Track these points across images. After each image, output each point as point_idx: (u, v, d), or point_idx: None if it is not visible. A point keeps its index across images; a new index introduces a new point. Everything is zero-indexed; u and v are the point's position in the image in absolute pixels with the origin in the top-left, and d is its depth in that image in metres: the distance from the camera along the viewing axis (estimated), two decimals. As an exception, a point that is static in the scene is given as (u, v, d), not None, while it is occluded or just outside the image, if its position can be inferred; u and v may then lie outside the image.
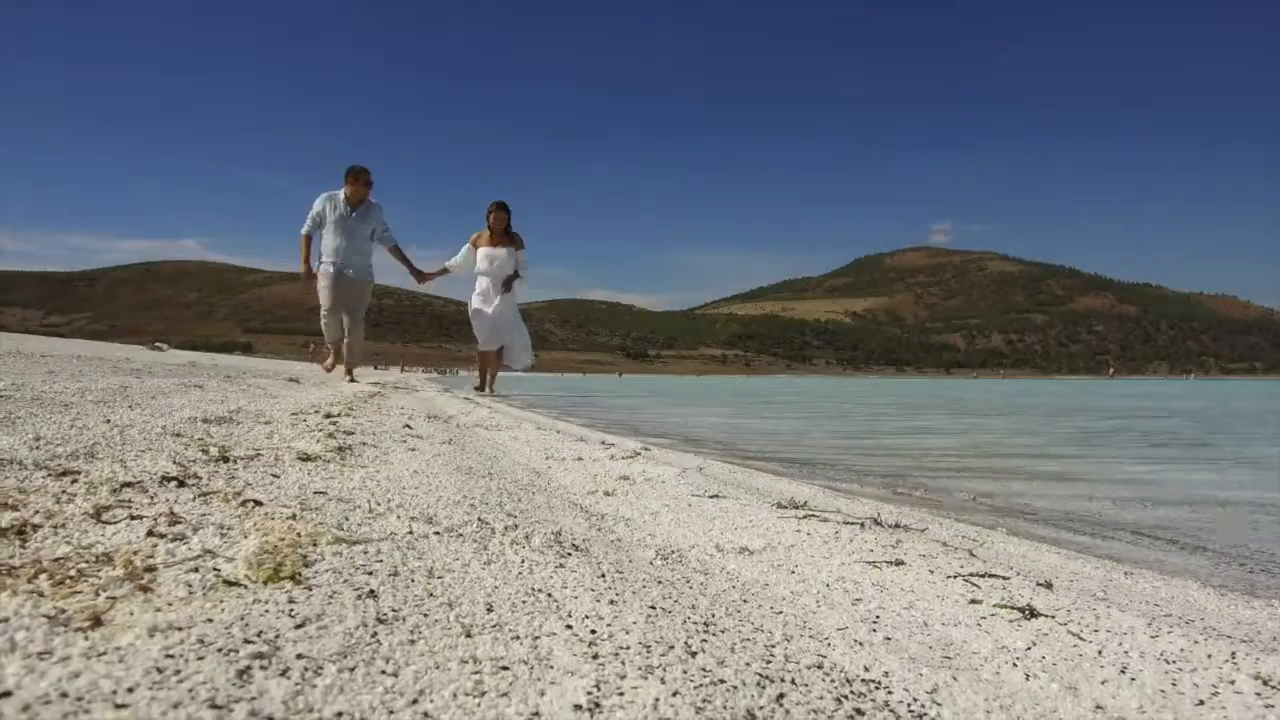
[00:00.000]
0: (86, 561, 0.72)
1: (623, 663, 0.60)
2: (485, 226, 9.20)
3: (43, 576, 0.69)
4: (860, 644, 0.80)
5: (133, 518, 0.90)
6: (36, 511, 0.92)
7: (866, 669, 0.72)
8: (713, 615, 0.81)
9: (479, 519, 1.04)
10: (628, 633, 0.67)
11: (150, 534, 0.81)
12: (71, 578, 0.67)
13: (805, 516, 1.51)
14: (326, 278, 8.06)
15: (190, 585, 0.63)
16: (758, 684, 0.62)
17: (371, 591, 0.66)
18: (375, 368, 67.01)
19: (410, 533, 0.92)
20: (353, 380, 7.85)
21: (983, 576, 1.13)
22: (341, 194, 8.16)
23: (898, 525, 1.52)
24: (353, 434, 2.11)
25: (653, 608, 0.77)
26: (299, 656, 0.50)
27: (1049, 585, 1.10)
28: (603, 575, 0.87)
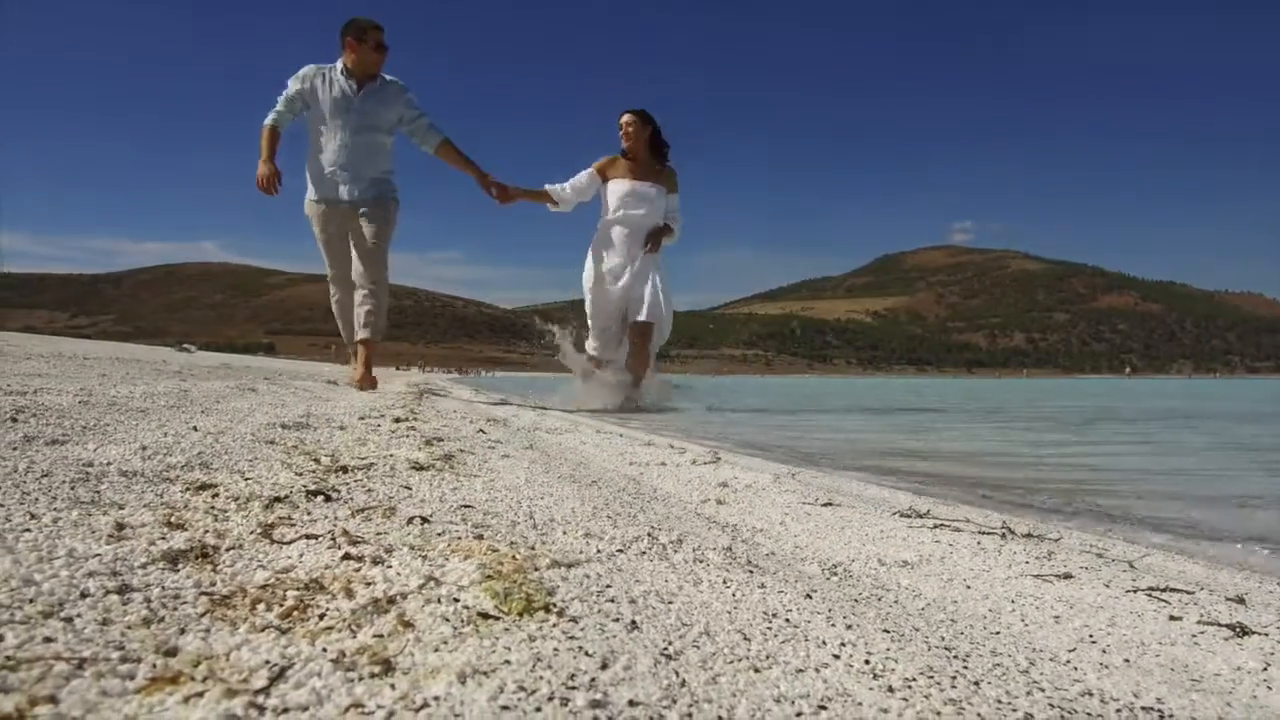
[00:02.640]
0: (297, 589, 0.69)
1: (926, 697, 0.55)
2: (620, 152, 6.10)
3: (260, 607, 0.65)
4: (1106, 667, 0.75)
5: (307, 537, 0.87)
6: (206, 531, 0.89)
7: (1136, 695, 0.67)
8: (942, 638, 0.76)
9: (648, 534, 1.00)
10: (896, 661, 0.62)
11: (347, 557, 0.77)
12: (298, 609, 0.63)
13: (936, 526, 1.46)
14: (320, 213, 5.11)
15: (447, 618, 0.59)
16: (1062, 717, 0.57)
17: (633, 622, 0.62)
18: (396, 369, 67.39)
19: (599, 551, 0.88)
20: (365, 384, 5.16)
21: (1164, 590, 1.08)
22: (340, 66, 5.07)
23: (1030, 535, 1.47)
24: (441, 440, 2.08)
25: (886, 631, 0.73)
26: (632, 703, 0.46)
27: (1241, 600, 1.05)
28: (809, 595, 0.83)
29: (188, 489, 1.14)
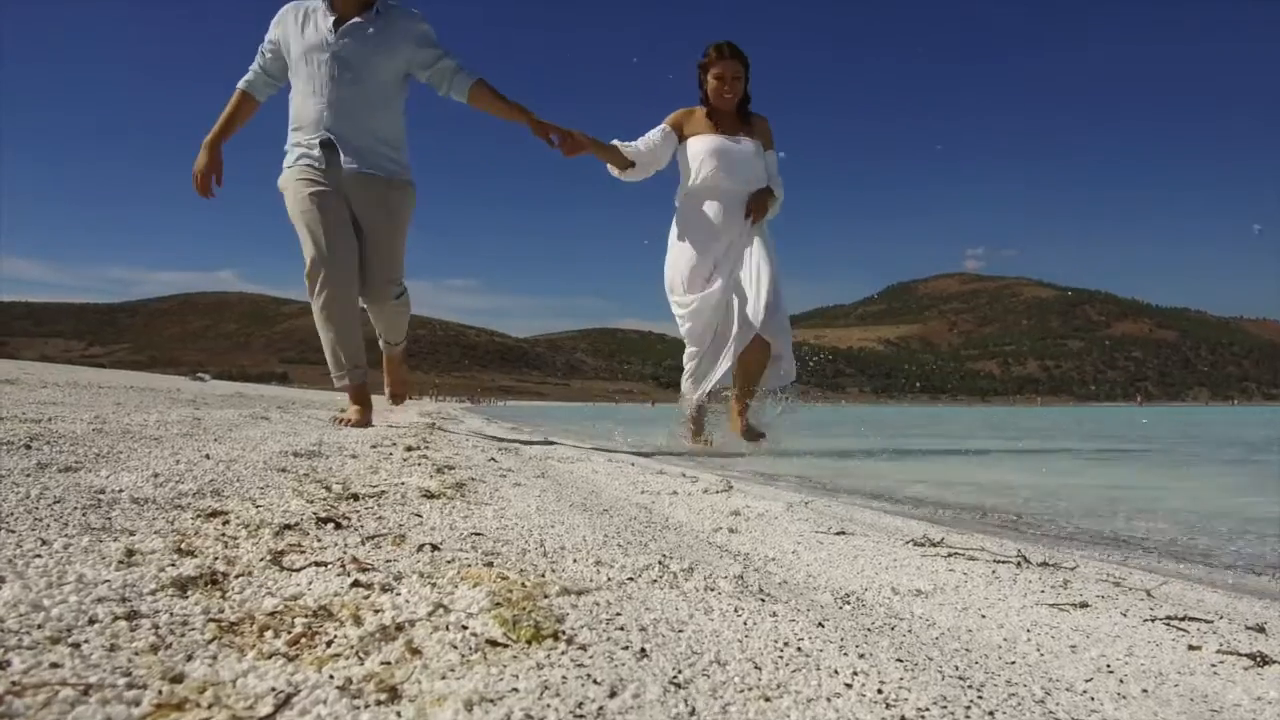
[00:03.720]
0: (305, 616, 0.68)
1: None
2: (699, 102, 4.65)
3: (268, 634, 0.65)
4: (1123, 698, 0.74)
5: (317, 564, 0.86)
6: (215, 558, 0.89)
7: (1156, 730, 0.66)
8: (956, 667, 0.75)
9: (659, 562, 0.99)
10: (909, 691, 0.61)
11: (356, 585, 0.77)
12: (305, 636, 0.63)
13: (951, 555, 1.44)
14: (301, 187, 3.67)
15: (454, 645, 0.58)
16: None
17: (642, 650, 0.61)
18: (409, 397, 67.43)
19: (609, 579, 0.87)
20: (395, 402, 4.77)
21: (1182, 619, 1.06)
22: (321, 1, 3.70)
23: (1045, 563, 1.45)
24: (452, 468, 2.08)
25: (900, 660, 0.72)
26: (640, 732, 0.45)
27: (1261, 629, 1.03)
28: (821, 624, 0.82)
29: (199, 516, 1.14)
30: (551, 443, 4.63)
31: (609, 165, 4.52)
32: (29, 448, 1.77)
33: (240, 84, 3.89)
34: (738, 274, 4.49)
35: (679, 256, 4.61)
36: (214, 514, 1.15)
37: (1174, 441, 8.03)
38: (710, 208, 4.56)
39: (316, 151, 3.70)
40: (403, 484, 1.67)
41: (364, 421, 3.83)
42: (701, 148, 4.54)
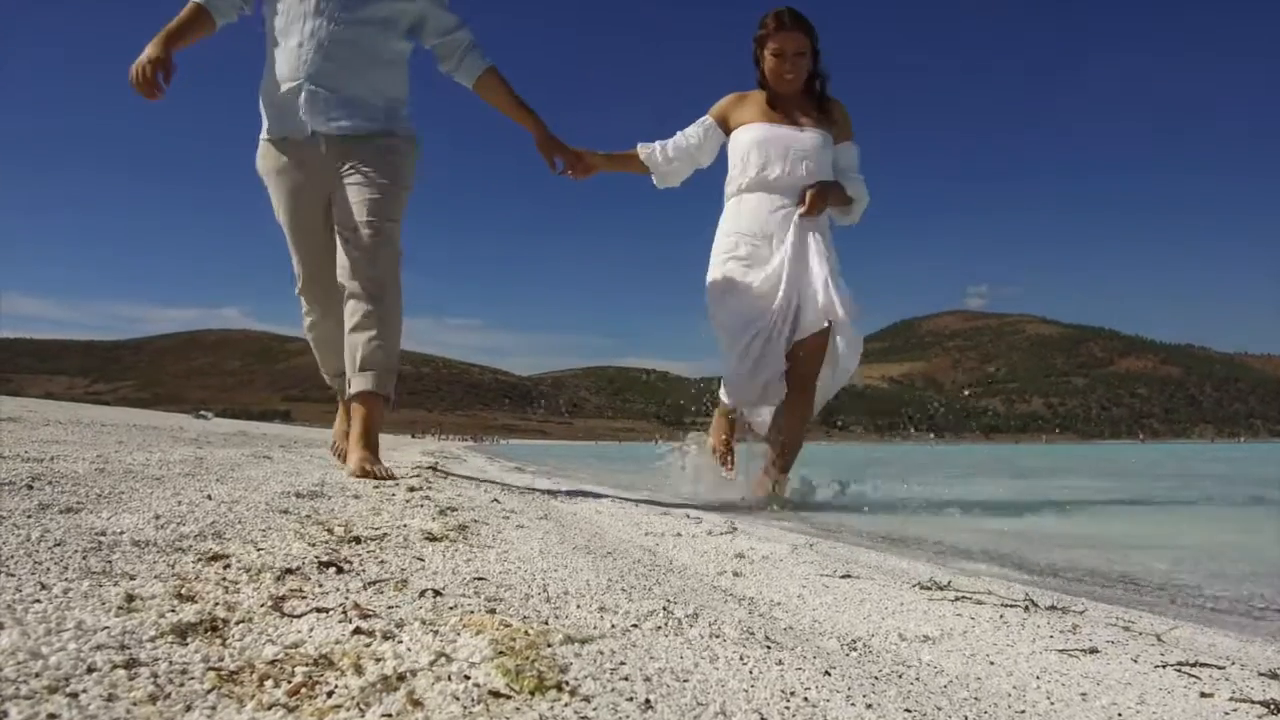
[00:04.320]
0: (306, 665, 0.68)
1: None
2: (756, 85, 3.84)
3: (268, 683, 0.64)
4: (1136, 752, 0.72)
5: (318, 611, 0.86)
6: (216, 604, 0.88)
7: (1169, 784, 0.65)
8: (965, 717, 0.74)
9: (663, 608, 0.98)
10: (918, 745, 0.60)
11: (358, 632, 0.76)
12: (306, 686, 0.62)
13: (958, 598, 1.43)
14: (278, 164, 3.14)
15: (457, 697, 0.57)
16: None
17: (647, 701, 0.60)
18: (412, 436, 67.46)
19: (613, 626, 0.86)
20: (365, 467, 2.87)
21: (1194, 665, 1.04)
22: None
23: (1054, 607, 1.44)
24: (455, 510, 2.07)
25: (908, 710, 0.71)
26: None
27: (1275, 675, 1.02)
28: (827, 673, 0.81)
29: (199, 559, 1.13)
30: (554, 490, 4.62)
31: (647, 169, 3.90)
32: (31, 488, 1.77)
33: None
34: (797, 278, 3.62)
35: (723, 261, 3.77)
36: (215, 557, 1.14)
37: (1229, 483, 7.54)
38: (761, 205, 3.70)
39: (294, 106, 3.01)
40: (405, 526, 1.66)
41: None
42: (748, 138, 3.72)
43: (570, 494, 3.61)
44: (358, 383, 3.02)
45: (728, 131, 3.86)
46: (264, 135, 3.18)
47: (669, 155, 3.85)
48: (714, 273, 3.82)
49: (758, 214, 3.71)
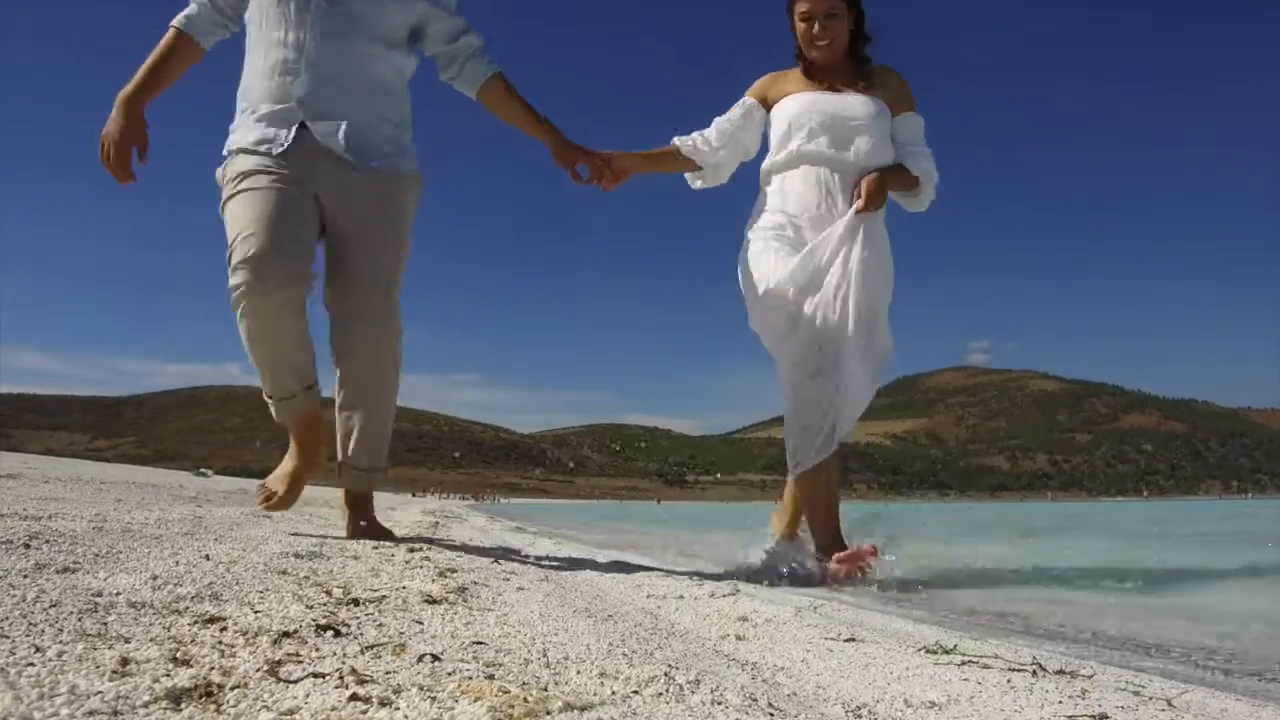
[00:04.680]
0: (302, 730, 0.66)
1: None
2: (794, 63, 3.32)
3: (266, 750, 0.63)
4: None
5: (315, 676, 0.84)
6: (211, 668, 0.87)
7: None
8: (973, 791, 0.72)
9: (665, 674, 0.96)
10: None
11: (354, 698, 0.75)
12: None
13: (964, 663, 1.40)
14: (248, 183, 2.53)
15: (455, 765, 0.56)
16: None
17: (647, 771, 0.59)
18: (413, 495, 67.02)
19: (614, 693, 0.85)
20: (361, 525, 2.90)
21: (1207, 736, 1.03)
22: None
23: (1062, 671, 1.41)
24: (455, 571, 2.05)
25: (914, 783, 0.69)
26: None
27: (1290, 747, 1.00)
28: (832, 741, 0.79)
29: (196, 621, 1.12)
30: (555, 551, 4.59)
31: (677, 169, 3.40)
32: (28, 547, 1.75)
33: (176, 21, 2.63)
34: (836, 281, 3.02)
35: (760, 258, 3.17)
36: (211, 620, 1.13)
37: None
38: (804, 193, 3.12)
39: (278, 133, 2.56)
40: (404, 588, 1.64)
41: (295, 487, 2.87)
42: (791, 108, 3.17)
43: (571, 555, 3.58)
44: (353, 479, 2.94)
45: (763, 104, 3.33)
46: (231, 147, 2.63)
47: (713, 144, 3.30)
48: (757, 284, 3.15)
49: (804, 197, 3.12)
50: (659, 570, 2.98)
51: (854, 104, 3.14)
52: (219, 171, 2.66)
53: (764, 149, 3.38)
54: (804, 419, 3.08)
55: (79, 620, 1.08)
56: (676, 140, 3.34)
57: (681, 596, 2.21)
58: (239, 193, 2.53)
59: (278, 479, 2.94)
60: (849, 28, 3.20)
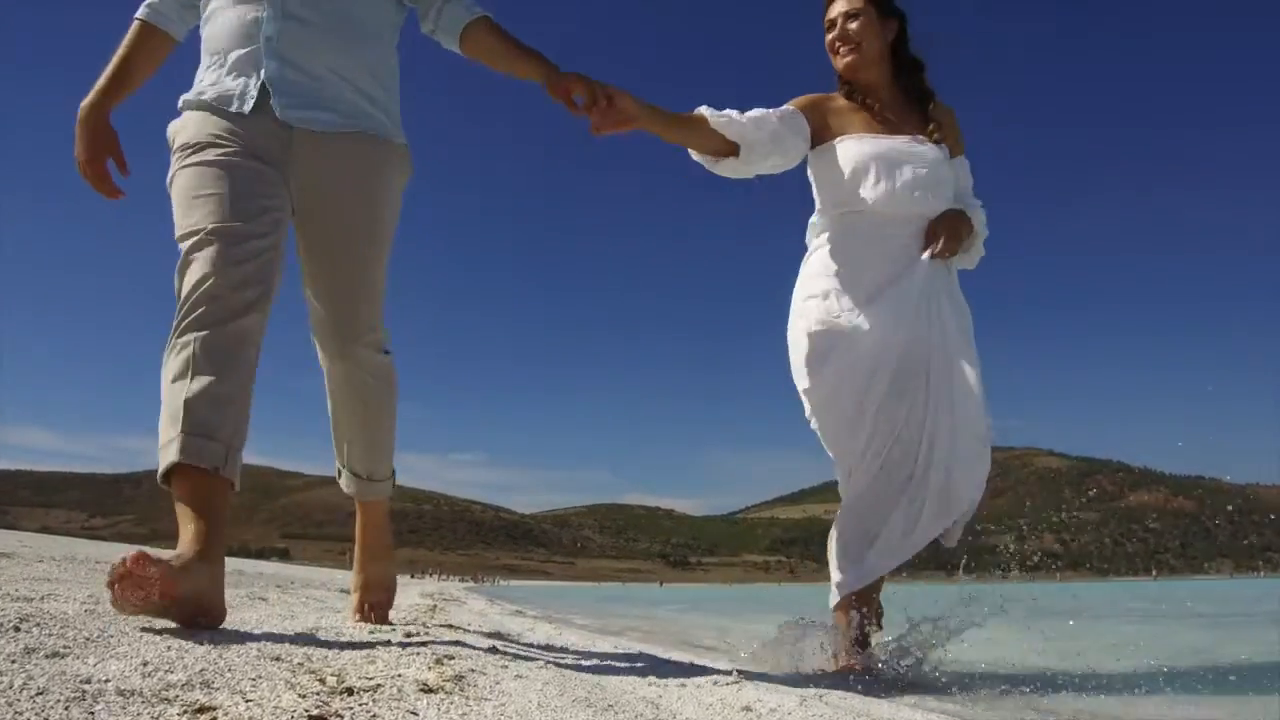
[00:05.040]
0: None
1: None
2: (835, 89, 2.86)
3: None
4: None
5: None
6: (200, 762, 0.84)
7: None
8: None
9: (667, 769, 0.93)
10: None
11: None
12: None
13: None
14: (201, 156, 2.05)
15: None
16: None
17: None
18: (411, 576, 66.02)
19: (614, 790, 0.82)
20: (366, 615, 2.71)
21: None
22: None
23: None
24: (452, 658, 2.01)
25: None
26: None
27: None
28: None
29: (185, 711, 1.09)
30: (554, 636, 4.50)
31: (692, 151, 2.71)
32: (18, 629, 1.72)
33: (140, 12, 2.28)
34: (932, 342, 2.59)
35: (811, 319, 2.69)
36: (202, 709, 1.10)
37: None
38: (882, 237, 2.68)
39: (242, 94, 2.11)
40: (400, 676, 1.61)
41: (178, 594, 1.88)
42: (857, 151, 2.67)
43: (571, 640, 3.51)
44: (356, 487, 2.59)
45: (821, 137, 2.76)
46: (184, 105, 2.21)
47: (756, 129, 2.64)
48: (817, 348, 2.66)
49: (870, 258, 2.69)
50: (660, 656, 2.92)
51: (925, 153, 2.70)
52: (178, 125, 2.20)
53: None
54: (865, 524, 2.64)
55: (65, 709, 1.05)
56: (705, 110, 2.64)
57: (683, 684, 2.15)
58: (186, 167, 2.09)
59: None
60: (883, 38, 2.75)
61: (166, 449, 1.95)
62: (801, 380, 2.75)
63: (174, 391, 1.95)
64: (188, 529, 1.94)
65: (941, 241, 2.63)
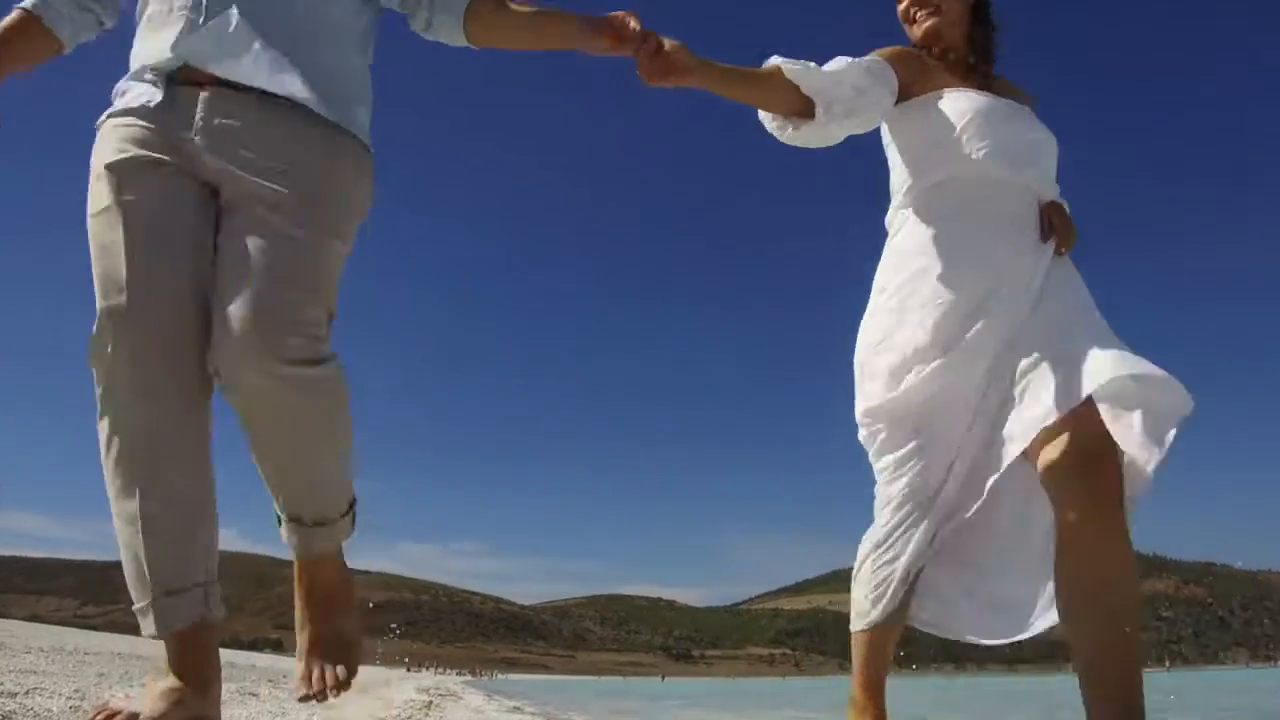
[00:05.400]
0: None
1: None
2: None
3: None
4: None
5: None
6: None
7: None
8: None
9: None
10: None
11: None
12: None
13: None
14: (114, 180, 1.48)
15: None
16: None
17: None
18: (408, 670, 64.30)
19: None
20: (318, 682, 1.62)
21: None
22: None
23: None
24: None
25: None
26: None
27: None
28: None
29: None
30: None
31: (761, 113, 2.15)
32: (1, 729, 1.67)
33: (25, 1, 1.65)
34: (1015, 356, 1.92)
35: (901, 308, 2.09)
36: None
37: None
38: (974, 225, 2.09)
39: (160, 93, 1.58)
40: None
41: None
42: (972, 106, 2.10)
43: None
44: (300, 539, 1.83)
45: (909, 92, 2.19)
46: (114, 109, 1.66)
47: (841, 89, 2.03)
48: (865, 352, 2.17)
49: (978, 235, 2.07)
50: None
51: (1026, 115, 2.22)
52: (94, 152, 1.67)
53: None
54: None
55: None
56: (780, 60, 2.03)
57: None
58: (112, 212, 1.56)
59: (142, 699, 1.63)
60: (968, 12, 2.26)
61: (143, 617, 1.58)
62: (867, 375, 2.19)
63: (124, 519, 1.58)
64: (177, 664, 1.60)
65: (1060, 232, 2.10)
